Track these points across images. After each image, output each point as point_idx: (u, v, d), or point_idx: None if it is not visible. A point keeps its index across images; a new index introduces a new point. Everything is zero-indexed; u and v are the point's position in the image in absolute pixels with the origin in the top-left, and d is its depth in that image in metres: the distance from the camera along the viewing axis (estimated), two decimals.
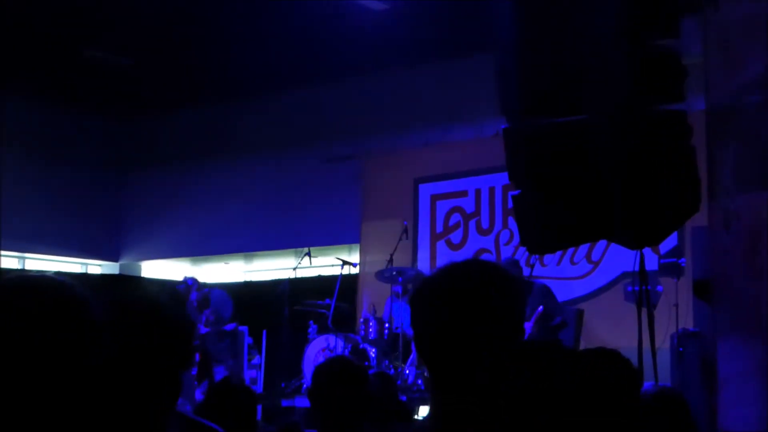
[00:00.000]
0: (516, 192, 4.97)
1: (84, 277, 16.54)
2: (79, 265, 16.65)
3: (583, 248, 11.54)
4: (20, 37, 12.24)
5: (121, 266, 16.86)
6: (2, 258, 15.21)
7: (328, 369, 3.88)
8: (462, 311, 2.00)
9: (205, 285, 12.09)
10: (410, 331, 10.23)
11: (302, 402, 9.64)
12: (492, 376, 1.94)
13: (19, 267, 15.76)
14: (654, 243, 5.09)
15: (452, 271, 2.09)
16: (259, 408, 10.77)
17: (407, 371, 10.30)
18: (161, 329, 2.12)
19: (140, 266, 17.08)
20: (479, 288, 2.02)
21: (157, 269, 17.09)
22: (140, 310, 2.15)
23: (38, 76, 13.88)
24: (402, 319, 10.57)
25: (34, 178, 14.98)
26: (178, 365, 2.14)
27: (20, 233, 14.79)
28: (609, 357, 2.66)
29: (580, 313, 10.49)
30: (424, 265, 12.54)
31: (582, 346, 10.19)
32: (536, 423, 1.85)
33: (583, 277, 11.77)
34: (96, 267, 16.88)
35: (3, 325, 1.56)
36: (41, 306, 1.61)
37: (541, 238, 5.04)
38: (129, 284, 15.73)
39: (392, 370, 10.17)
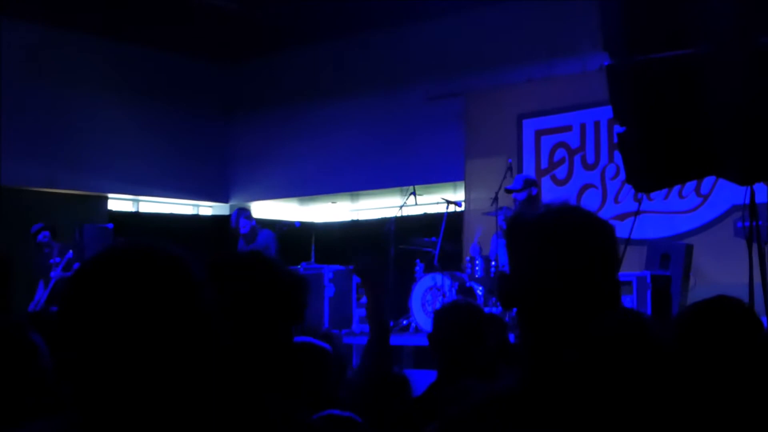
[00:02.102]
0: (621, 129, 4.92)
1: (196, 218, 16.98)
2: (191, 207, 17.04)
3: (692, 181, 11.31)
4: None
5: (231, 207, 17.19)
6: (117, 201, 15.72)
7: (449, 312, 3.94)
8: (533, 263, 1.91)
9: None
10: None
11: (410, 340, 9.76)
12: (545, 341, 1.86)
13: (133, 210, 16.22)
14: (766, 179, 5.00)
15: (539, 216, 1.96)
16: None
17: (514, 310, 10.31)
18: (273, 282, 2.12)
19: (249, 207, 17.40)
20: (551, 243, 1.90)
21: (265, 209, 17.38)
22: (252, 264, 2.16)
23: (148, 23, 14.15)
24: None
25: (145, 122, 15.32)
26: (289, 319, 2.15)
27: (134, 177, 15.24)
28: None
29: (689, 249, 10.32)
30: None
31: (691, 282, 10.07)
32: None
33: (692, 211, 11.56)
34: (207, 208, 17.25)
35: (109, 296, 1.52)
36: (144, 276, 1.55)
37: (648, 175, 4.99)
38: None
39: (498, 308, 10.21)
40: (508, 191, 9.90)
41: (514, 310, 2.00)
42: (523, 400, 1.79)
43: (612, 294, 1.92)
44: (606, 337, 1.75)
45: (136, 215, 16.07)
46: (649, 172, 4.94)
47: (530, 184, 9.85)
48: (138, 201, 16.25)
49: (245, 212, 11.62)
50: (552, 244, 1.89)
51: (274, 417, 2.02)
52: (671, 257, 10.10)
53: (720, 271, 10.01)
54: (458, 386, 3.49)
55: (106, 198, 15.31)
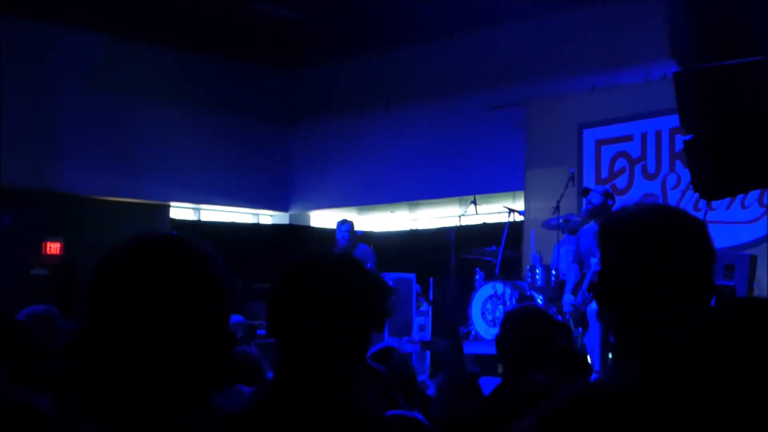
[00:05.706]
0: (688, 137, 4.89)
1: (256, 227, 17.11)
2: (251, 216, 17.17)
3: (755, 191, 11.17)
4: None
5: (290, 216, 17.30)
6: (179, 209, 15.90)
7: (518, 316, 3.94)
8: (640, 260, 1.92)
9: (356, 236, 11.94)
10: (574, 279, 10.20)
11: (470, 348, 9.76)
12: (666, 342, 1.84)
13: (195, 218, 16.37)
14: None
15: (634, 215, 2.01)
16: (428, 354, 10.99)
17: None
18: (359, 287, 2.15)
19: (309, 216, 17.51)
20: (658, 238, 1.93)
21: (324, 218, 17.48)
22: (339, 266, 2.18)
23: (208, 32, 14.30)
24: (568, 267, 10.52)
25: (207, 131, 15.45)
26: (371, 324, 2.17)
27: (195, 185, 15.39)
28: None
29: (753, 259, 10.19)
30: None
31: (755, 293, 9.94)
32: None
33: (755, 221, 11.42)
34: (267, 217, 17.37)
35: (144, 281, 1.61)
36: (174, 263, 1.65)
37: (714, 183, 4.95)
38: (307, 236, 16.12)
39: (559, 317, 10.18)
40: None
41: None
42: (635, 396, 1.78)
43: (707, 289, 1.95)
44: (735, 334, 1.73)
45: (198, 224, 16.21)
46: (716, 179, 4.90)
47: (608, 196, 9.81)
48: (199, 209, 16.40)
49: (347, 224, 11.63)
50: (648, 243, 1.93)
51: (356, 411, 2.07)
52: (735, 267, 9.98)
53: None
54: (526, 385, 3.51)
55: (168, 206, 15.48)
